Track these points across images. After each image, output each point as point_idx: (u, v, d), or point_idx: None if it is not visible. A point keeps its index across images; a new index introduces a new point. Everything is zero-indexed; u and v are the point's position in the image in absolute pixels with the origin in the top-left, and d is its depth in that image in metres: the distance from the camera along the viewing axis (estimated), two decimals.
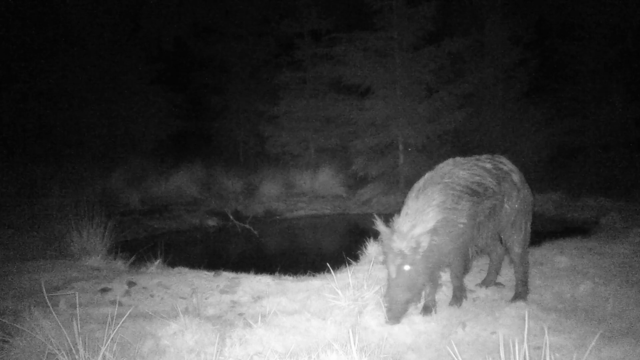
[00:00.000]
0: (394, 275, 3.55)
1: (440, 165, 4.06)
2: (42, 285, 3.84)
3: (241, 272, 5.28)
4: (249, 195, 12.55)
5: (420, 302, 3.96)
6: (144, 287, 4.72)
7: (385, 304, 3.64)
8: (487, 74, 14.94)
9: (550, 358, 2.44)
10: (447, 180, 3.81)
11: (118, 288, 4.66)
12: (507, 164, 4.19)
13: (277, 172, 14.11)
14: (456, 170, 3.90)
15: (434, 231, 3.57)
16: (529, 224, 4.27)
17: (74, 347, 2.73)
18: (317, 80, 15.92)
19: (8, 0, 16.19)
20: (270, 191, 12.63)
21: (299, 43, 16.08)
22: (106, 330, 2.87)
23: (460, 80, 13.28)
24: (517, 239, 4.18)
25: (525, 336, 2.39)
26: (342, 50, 13.41)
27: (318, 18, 15.82)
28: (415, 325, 3.74)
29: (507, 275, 5.03)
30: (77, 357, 2.68)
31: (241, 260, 7.09)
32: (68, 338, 2.77)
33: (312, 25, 15.98)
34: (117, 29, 17.41)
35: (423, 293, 3.94)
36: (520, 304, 3.99)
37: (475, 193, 3.82)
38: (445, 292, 4.42)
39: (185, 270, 5.43)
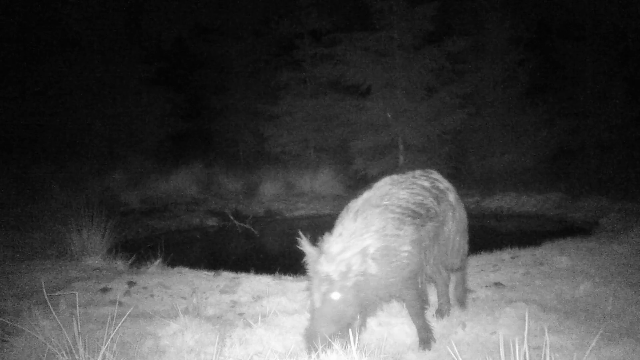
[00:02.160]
0: (318, 304, 3.05)
1: (378, 184, 3.63)
2: (42, 285, 3.84)
3: (241, 272, 5.28)
4: (249, 195, 12.55)
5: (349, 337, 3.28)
6: (144, 287, 4.72)
7: (305, 338, 3.12)
8: (487, 74, 14.95)
9: (550, 358, 2.44)
10: (386, 203, 3.38)
11: (118, 288, 4.66)
12: (442, 182, 3.81)
13: (277, 172, 14.11)
14: (395, 190, 3.49)
15: (371, 257, 3.13)
16: (465, 241, 3.97)
17: (74, 347, 2.72)
18: (317, 80, 15.92)
19: (8, 1, 16.19)
20: (270, 191, 12.64)
21: (299, 43, 16.08)
22: (106, 330, 2.87)
23: (460, 80, 13.29)
24: (456, 257, 3.87)
25: (526, 336, 2.39)
26: (342, 50, 13.41)
27: (318, 18, 15.81)
28: (415, 325, 3.74)
29: (508, 274, 5.04)
30: (77, 357, 2.68)
31: (241, 260, 7.08)
32: (68, 338, 2.77)
33: (312, 25, 15.98)
34: (117, 29, 17.39)
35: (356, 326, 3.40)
36: (520, 304, 3.98)
37: (417, 215, 3.42)
38: None
39: (185, 270, 5.43)
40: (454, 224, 3.75)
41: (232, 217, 9.65)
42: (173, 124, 18.58)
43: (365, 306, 3.27)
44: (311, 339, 3.04)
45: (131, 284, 4.78)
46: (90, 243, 6.05)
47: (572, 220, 9.60)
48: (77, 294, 3.78)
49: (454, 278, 4.14)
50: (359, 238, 3.15)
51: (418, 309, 3.47)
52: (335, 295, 3.02)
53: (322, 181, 13.34)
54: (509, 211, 10.86)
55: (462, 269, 4.02)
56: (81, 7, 16.62)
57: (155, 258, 5.73)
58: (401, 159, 13.00)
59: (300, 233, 3.17)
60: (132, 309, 3.84)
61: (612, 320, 3.76)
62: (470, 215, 11.82)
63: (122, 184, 11.79)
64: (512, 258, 5.65)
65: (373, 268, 3.15)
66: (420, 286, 3.48)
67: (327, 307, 3.03)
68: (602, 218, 8.85)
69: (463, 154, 14.65)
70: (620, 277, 4.71)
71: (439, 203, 3.60)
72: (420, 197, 3.51)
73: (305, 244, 3.17)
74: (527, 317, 2.59)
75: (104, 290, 4.61)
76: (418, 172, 3.79)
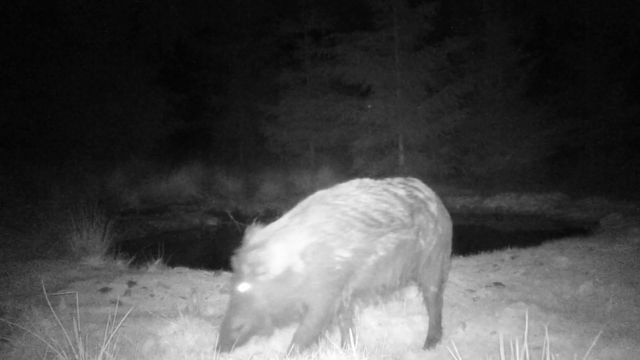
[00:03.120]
0: (231, 295, 2.93)
1: (343, 184, 3.32)
2: (42, 285, 3.84)
3: None
4: (249, 194, 12.55)
5: (271, 336, 3.11)
6: (144, 287, 4.72)
7: (219, 332, 2.95)
8: (487, 74, 14.95)
9: (551, 358, 2.44)
10: (339, 202, 3.07)
11: (118, 288, 4.66)
12: (423, 191, 3.48)
13: (277, 171, 14.12)
14: (358, 193, 3.17)
15: (299, 254, 2.86)
16: (447, 258, 3.58)
17: (74, 346, 2.72)
18: (317, 80, 15.93)
19: (8, 0, 16.19)
20: (270, 191, 12.64)
21: (299, 43, 16.08)
22: (106, 330, 2.87)
23: (460, 80, 13.29)
24: (433, 277, 3.46)
25: (526, 336, 2.39)
26: (342, 50, 13.42)
27: (318, 18, 15.83)
28: (415, 325, 3.75)
29: (508, 274, 5.04)
30: (77, 356, 2.68)
31: None
32: (68, 338, 2.77)
33: (312, 25, 15.99)
34: (117, 29, 17.40)
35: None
36: (520, 304, 3.98)
37: (375, 223, 3.06)
38: (445, 293, 4.41)
39: (186, 269, 5.43)
40: (436, 237, 3.38)
41: (232, 217, 9.65)
42: (173, 124, 18.58)
43: (287, 307, 2.93)
44: (221, 330, 2.89)
45: (131, 283, 4.78)
46: (90, 243, 6.05)
47: (572, 220, 9.60)
48: (77, 294, 3.78)
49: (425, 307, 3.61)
50: (290, 231, 2.91)
51: (308, 336, 2.97)
52: (242, 288, 2.85)
53: (322, 181, 13.33)
54: (509, 211, 10.87)
55: (437, 296, 3.51)
56: (82, 8, 16.63)
57: (155, 258, 5.73)
58: (401, 159, 13.00)
59: (254, 222, 3.04)
60: (132, 308, 3.84)
61: (612, 320, 3.76)
62: (470, 215, 11.80)
63: (122, 184, 11.79)
64: (512, 258, 5.65)
65: (299, 266, 2.87)
66: (333, 312, 3.01)
67: (235, 299, 2.89)
68: (602, 218, 8.86)
69: (463, 154, 14.66)
70: (620, 277, 4.71)
71: (412, 214, 3.24)
72: (386, 205, 3.17)
73: (249, 233, 2.99)
74: (527, 317, 2.59)
75: (104, 290, 4.61)
76: (397, 180, 3.49)
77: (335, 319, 3.10)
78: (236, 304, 2.88)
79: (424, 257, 3.37)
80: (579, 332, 3.47)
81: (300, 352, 2.91)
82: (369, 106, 13.02)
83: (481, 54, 15.18)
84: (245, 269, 2.84)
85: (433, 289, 3.48)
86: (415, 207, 3.29)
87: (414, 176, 12.51)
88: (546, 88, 16.25)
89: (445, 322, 3.79)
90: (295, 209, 3.11)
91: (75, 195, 9.18)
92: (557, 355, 3.03)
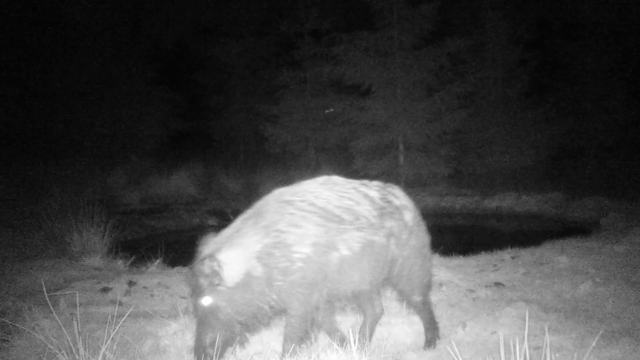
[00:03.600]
0: (195, 312, 2.81)
1: (306, 181, 3.20)
2: (43, 285, 3.83)
3: None
4: (249, 194, 12.54)
5: (246, 343, 2.98)
6: (144, 287, 4.72)
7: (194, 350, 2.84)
8: (487, 74, 14.96)
9: (551, 358, 2.44)
10: (296, 199, 2.97)
11: (118, 288, 4.66)
12: (400, 198, 3.33)
13: (277, 171, 14.11)
14: (321, 190, 3.05)
15: (256, 257, 2.78)
16: (428, 266, 3.45)
17: (74, 346, 2.72)
18: (317, 80, 15.93)
19: (9, 0, 16.19)
20: (270, 191, 12.62)
21: (299, 43, 16.08)
22: (106, 329, 2.87)
23: (460, 80, 13.29)
24: (415, 287, 3.34)
25: (526, 336, 2.39)
26: (342, 50, 13.42)
27: (318, 18, 15.82)
28: (415, 325, 3.74)
29: (508, 274, 5.04)
30: (77, 356, 2.68)
31: None
32: (68, 337, 2.77)
33: (312, 25, 15.98)
34: (117, 29, 17.42)
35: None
36: (520, 304, 3.98)
37: (335, 218, 2.93)
38: (445, 293, 4.42)
39: (186, 269, 5.42)
40: (409, 248, 3.24)
41: (232, 217, 9.64)
42: (173, 124, 18.60)
43: (254, 312, 2.84)
44: (197, 354, 2.76)
45: (131, 283, 4.78)
46: (90, 243, 6.05)
47: (572, 220, 9.60)
48: (77, 294, 3.79)
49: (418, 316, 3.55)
50: (243, 235, 2.83)
51: (296, 335, 2.91)
52: (206, 301, 2.72)
53: None
54: (509, 211, 10.87)
55: (424, 303, 3.42)
56: (82, 8, 16.62)
57: (156, 258, 5.73)
58: (401, 158, 13.00)
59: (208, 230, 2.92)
60: (132, 308, 3.84)
61: (612, 320, 3.76)
62: (470, 215, 11.79)
63: (122, 184, 11.79)
64: (512, 258, 5.65)
65: (258, 270, 2.78)
66: (314, 308, 2.93)
67: (200, 314, 2.77)
68: (602, 218, 8.85)
69: (463, 154, 14.66)
70: (620, 277, 4.71)
71: (381, 216, 3.10)
72: (351, 202, 3.05)
73: (203, 244, 2.86)
74: (527, 317, 2.59)
75: (104, 290, 4.61)
76: (374, 183, 3.37)
77: (317, 316, 2.98)
78: (203, 319, 2.77)
79: (397, 265, 3.21)
80: (579, 332, 3.47)
81: (295, 350, 2.88)
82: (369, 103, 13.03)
83: (481, 54, 15.18)
84: (203, 281, 2.72)
85: (417, 297, 3.37)
86: (387, 211, 3.16)
87: (414, 176, 12.60)
88: (546, 88, 16.26)
89: (445, 322, 3.79)
90: (249, 211, 3.02)
91: (75, 195, 9.16)
92: (557, 355, 3.02)
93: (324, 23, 15.76)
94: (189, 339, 3.38)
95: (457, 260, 5.58)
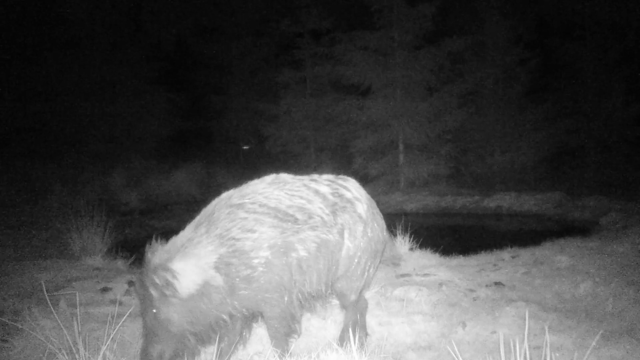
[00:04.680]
0: (144, 322, 2.73)
1: (255, 181, 3.13)
2: (43, 285, 3.84)
3: None
4: None
5: (198, 356, 2.93)
6: None
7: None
8: (487, 73, 14.95)
9: (551, 357, 2.44)
10: (246, 201, 2.89)
11: (118, 287, 4.66)
12: (352, 190, 3.21)
13: (277, 171, 14.08)
14: (270, 190, 2.98)
15: (213, 267, 2.71)
16: (376, 266, 3.32)
17: (74, 346, 2.73)
18: (317, 80, 15.94)
19: (9, 0, 16.19)
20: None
21: (299, 43, 16.09)
22: (106, 329, 2.87)
23: (460, 80, 13.31)
24: (354, 285, 3.18)
25: (526, 335, 2.39)
26: (342, 50, 13.43)
27: (318, 18, 15.84)
28: (415, 324, 3.74)
29: (508, 274, 5.03)
30: (77, 356, 2.68)
31: None
32: (68, 337, 2.77)
33: (312, 25, 16.00)
34: (117, 29, 17.42)
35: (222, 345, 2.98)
36: (520, 303, 3.98)
37: (288, 218, 2.86)
38: (445, 293, 4.42)
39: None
40: (364, 240, 3.13)
41: None
42: (173, 124, 18.61)
43: (211, 322, 2.77)
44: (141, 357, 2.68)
45: (131, 283, 4.77)
46: (91, 242, 6.05)
47: (572, 220, 9.60)
48: (77, 294, 3.78)
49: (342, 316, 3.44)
50: (193, 246, 2.72)
51: (280, 333, 2.90)
52: (157, 312, 2.64)
53: None
54: (509, 211, 10.86)
55: (355, 302, 3.27)
56: (82, 8, 16.63)
57: None
58: (401, 158, 13.01)
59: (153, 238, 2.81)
60: (132, 308, 3.83)
61: (612, 320, 3.76)
62: (470, 215, 11.77)
63: (122, 184, 11.79)
64: (512, 257, 5.64)
65: (217, 280, 2.70)
66: (289, 305, 2.87)
67: (149, 326, 2.68)
68: (602, 217, 8.85)
69: (463, 153, 14.67)
70: (620, 277, 4.71)
71: (334, 212, 3.03)
72: (303, 201, 2.97)
73: (150, 252, 2.76)
74: (527, 317, 2.59)
75: (104, 289, 4.61)
76: (325, 177, 3.25)
77: (296, 312, 2.94)
78: (152, 330, 2.66)
79: (352, 261, 3.10)
80: (579, 332, 3.47)
81: (284, 350, 2.88)
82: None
83: (481, 54, 15.18)
84: (154, 292, 2.62)
85: (353, 297, 3.21)
86: (339, 206, 3.07)
87: (414, 176, 12.62)
88: (546, 88, 16.25)
89: (445, 322, 3.80)
90: (199, 217, 2.91)
91: (75, 195, 9.18)
92: (557, 354, 3.03)
93: (324, 23, 15.78)
94: None
95: (457, 260, 5.57)
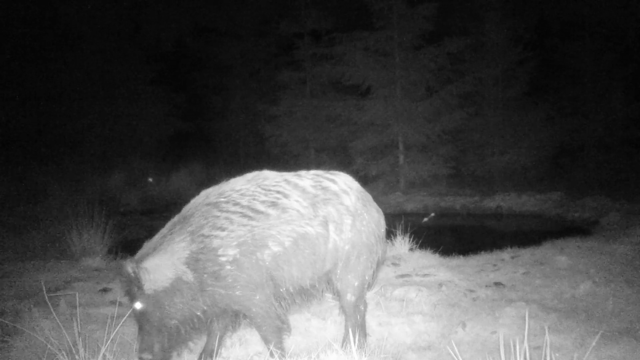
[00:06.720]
0: (134, 318, 2.86)
1: (235, 178, 3.16)
2: (43, 286, 3.84)
3: None
4: None
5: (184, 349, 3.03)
6: None
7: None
8: (487, 74, 14.95)
9: (551, 357, 2.44)
10: (221, 200, 2.95)
11: (118, 288, 4.65)
12: (340, 183, 3.13)
13: (277, 171, 14.11)
14: (247, 187, 3.02)
15: (184, 263, 2.80)
16: (373, 263, 3.19)
17: (74, 347, 2.73)
18: (317, 80, 15.94)
19: (8, 1, 16.20)
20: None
21: (299, 43, 16.09)
22: (106, 330, 2.87)
23: (460, 80, 13.30)
24: (351, 283, 3.09)
25: (526, 336, 2.39)
26: (342, 50, 13.43)
27: (318, 18, 15.83)
28: (415, 325, 3.74)
29: (508, 274, 5.04)
30: (77, 357, 2.68)
31: None
32: (68, 338, 2.77)
33: (312, 25, 16.00)
34: (117, 29, 17.43)
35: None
36: (520, 304, 3.98)
37: (260, 216, 2.88)
38: (445, 293, 4.42)
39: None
40: (354, 233, 3.05)
41: None
42: (173, 124, 18.62)
43: (188, 316, 2.85)
44: (139, 352, 2.80)
45: None
46: (90, 243, 6.04)
47: (572, 220, 9.60)
48: (77, 294, 3.78)
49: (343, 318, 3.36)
50: (167, 243, 2.84)
51: (264, 332, 2.95)
52: (137, 306, 2.78)
53: None
54: (509, 211, 10.86)
55: (355, 307, 3.17)
56: (82, 8, 16.64)
57: None
58: (401, 159, 13.01)
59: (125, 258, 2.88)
60: (132, 309, 3.84)
61: (612, 320, 3.76)
62: (470, 215, 11.75)
63: (122, 184, 11.79)
64: (512, 258, 5.64)
65: (188, 275, 2.79)
66: (264, 303, 2.88)
67: (137, 320, 2.83)
68: (602, 217, 8.85)
69: (463, 154, 14.66)
70: (620, 277, 4.71)
71: (314, 205, 2.99)
72: (278, 196, 2.97)
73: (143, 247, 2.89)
74: (527, 317, 2.59)
75: (104, 290, 4.61)
76: (312, 172, 3.24)
77: (280, 311, 2.96)
78: (138, 322, 2.83)
79: (341, 255, 3.05)
80: (579, 332, 3.47)
81: (277, 347, 2.92)
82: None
83: (481, 54, 15.18)
84: (133, 287, 2.76)
85: (350, 297, 3.12)
86: (320, 198, 3.02)
87: (414, 176, 12.63)
88: (546, 88, 16.25)
89: (445, 322, 3.80)
90: (177, 217, 3.02)
91: (75, 195, 9.17)
92: (557, 354, 3.02)
93: (324, 23, 15.77)
94: None
95: (457, 260, 5.57)
